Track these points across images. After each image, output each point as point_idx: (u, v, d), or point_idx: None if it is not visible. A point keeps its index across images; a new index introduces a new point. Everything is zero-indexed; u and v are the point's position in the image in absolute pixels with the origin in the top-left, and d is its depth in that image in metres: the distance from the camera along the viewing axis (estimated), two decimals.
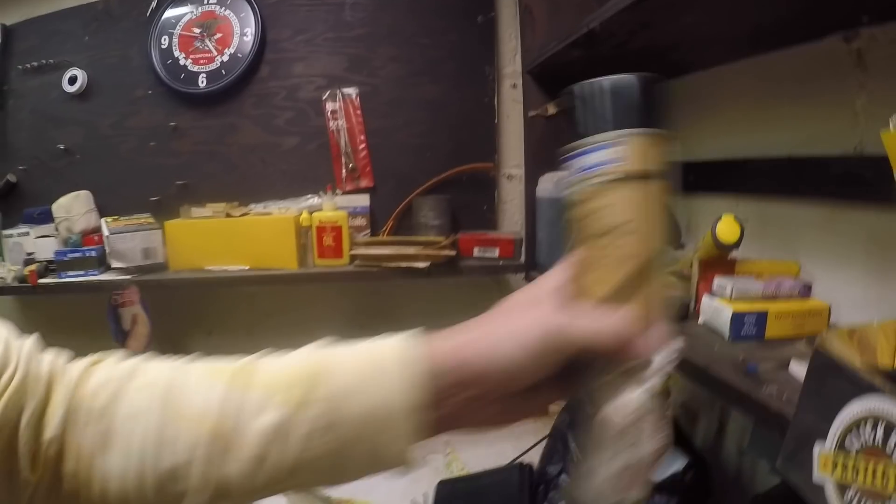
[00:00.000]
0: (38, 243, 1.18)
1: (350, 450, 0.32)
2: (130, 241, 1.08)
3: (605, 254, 0.33)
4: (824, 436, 0.34)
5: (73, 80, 1.23)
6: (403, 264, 1.05)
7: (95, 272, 1.10)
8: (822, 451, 0.34)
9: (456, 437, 1.21)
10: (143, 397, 0.33)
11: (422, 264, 1.05)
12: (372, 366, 0.33)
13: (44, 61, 1.26)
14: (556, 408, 1.24)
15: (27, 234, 1.20)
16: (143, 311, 1.07)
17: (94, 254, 1.11)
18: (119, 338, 1.09)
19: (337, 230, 1.05)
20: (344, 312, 1.24)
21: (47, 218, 1.21)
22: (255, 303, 1.25)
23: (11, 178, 1.29)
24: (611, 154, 0.32)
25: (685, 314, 0.71)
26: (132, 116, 1.20)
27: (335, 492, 1.00)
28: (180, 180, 1.16)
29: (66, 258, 1.12)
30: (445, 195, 1.14)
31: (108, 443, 0.32)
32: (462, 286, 1.23)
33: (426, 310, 1.24)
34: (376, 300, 1.23)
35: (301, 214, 1.06)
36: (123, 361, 0.35)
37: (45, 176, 1.26)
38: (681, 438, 0.97)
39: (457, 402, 0.32)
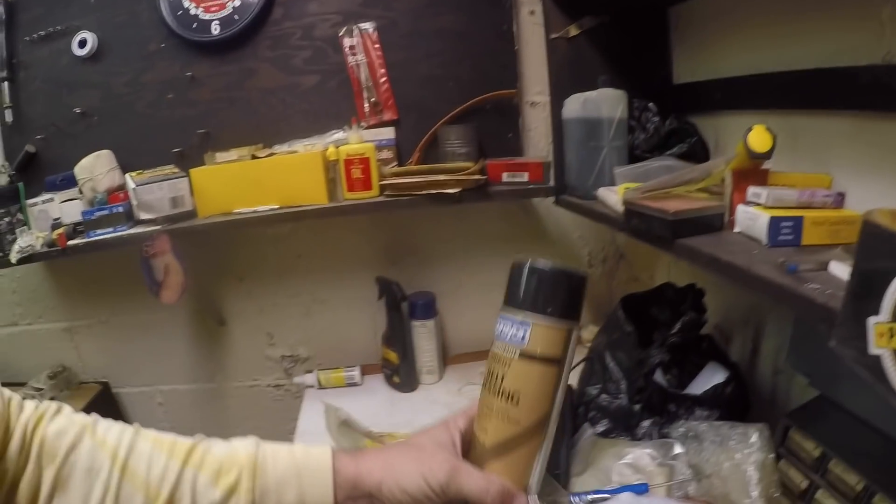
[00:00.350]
0: (64, 208, 1.16)
1: None
2: (157, 191, 1.06)
3: (494, 411, 0.39)
4: (877, 310, 0.34)
5: (82, 44, 1.21)
6: (434, 191, 1.02)
7: (124, 227, 1.09)
8: (877, 322, 0.34)
9: None
10: (102, 456, 0.37)
11: (452, 190, 1.02)
12: (297, 468, 0.41)
13: (51, 29, 1.24)
14: (588, 334, 1.22)
15: (52, 199, 1.18)
16: (176, 260, 1.05)
17: (121, 209, 1.09)
18: (153, 289, 1.07)
19: (365, 162, 1.03)
20: (374, 250, 1.22)
21: (70, 183, 1.19)
22: (285, 246, 1.22)
23: (30, 148, 1.27)
24: (517, 331, 0.38)
25: (720, 225, 0.69)
26: (147, 72, 1.18)
27: (377, 427, 0.99)
28: (201, 129, 1.14)
29: (93, 217, 1.10)
30: (471, 124, 1.11)
31: (67, 489, 0.36)
32: (490, 217, 1.21)
33: (454, 243, 1.22)
34: (405, 236, 1.20)
35: (328, 149, 1.04)
36: (76, 414, 0.40)
37: (63, 142, 1.24)
38: (718, 354, 0.95)
39: None
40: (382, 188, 1.04)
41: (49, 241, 1.13)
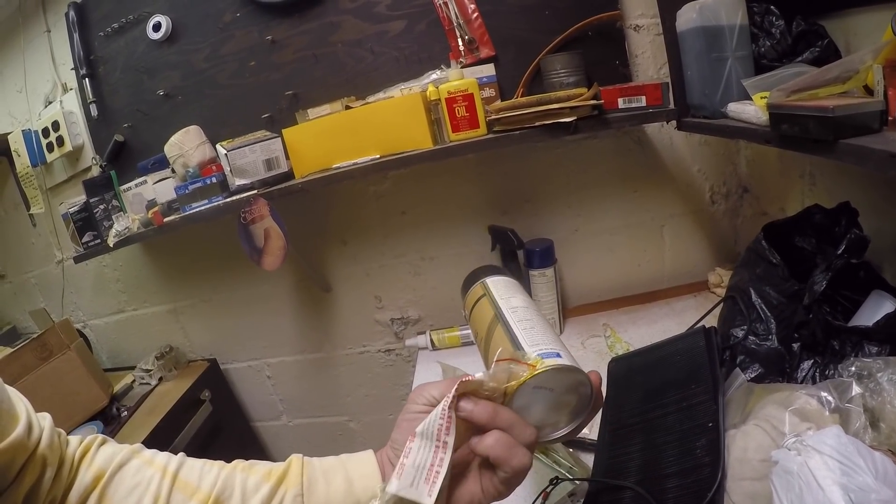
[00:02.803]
0: (158, 188, 1.14)
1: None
2: (250, 154, 1.01)
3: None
4: None
5: (157, 27, 1.19)
6: (548, 121, 0.92)
7: (219, 198, 1.04)
8: None
9: (615, 317, 1.09)
10: (151, 471, 0.39)
11: (568, 119, 0.92)
12: (341, 459, 0.44)
13: (123, 20, 1.23)
14: (716, 278, 1.09)
15: (145, 182, 1.17)
16: (276, 223, 0.99)
17: (214, 180, 1.05)
18: (254, 256, 1.02)
19: (469, 98, 0.94)
20: (482, 200, 1.13)
21: (162, 165, 1.18)
22: (387, 203, 1.16)
23: (119, 137, 1.27)
24: None
25: (878, 125, 0.56)
26: (225, 43, 1.14)
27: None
28: (289, 91, 1.09)
29: (187, 191, 1.06)
30: (576, 51, 1.00)
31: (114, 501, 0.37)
32: (603, 155, 1.10)
33: (567, 187, 1.12)
34: (514, 182, 1.11)
35: (427, 89, 0.96)
36: (123, 445, 0.42)
37: (151, 127, 1.23)
38: (881, 283, 0.79)
39: None
40: (490, 125, 0.95)
41: (145, 221, 1.10)
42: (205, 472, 0.40)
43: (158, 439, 1.14)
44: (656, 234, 1.15)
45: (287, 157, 1.03)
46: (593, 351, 1.02)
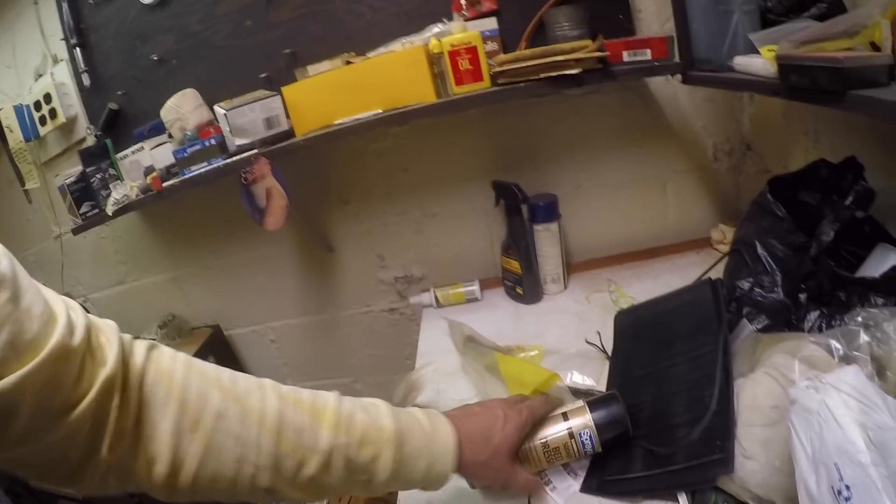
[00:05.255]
0: (155, 154, 1.12)
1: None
2: (249, 113, 0.99)
3: None
4: None
5: None
6: (553, 73, 0.91)
7: (219, 160, 1.03)
8: None
9: (619, 273, 1.09)
10: (250, 422, 0.41)
11: (573, 70, 0.91)
12: (425, 446, 0.51)
13: None
14: (718, 235, 1.09)
15: (141, 149, 1.15)
16: (278, 182, 0.98)
17: (213, 142, 1.03)
18: (256, 217, 1.01)
19: (472, 51, 0.92)
20: (485, 156, 1.12)
21: (159, 130, 1.16)
22: (389, 160, 1.15)
23: (113, 105, 1.25)
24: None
25: (886, 79, 0.56)
26: (220, 4, 1.11)
27: (504, 339, 0.90)
28: (287, 49, 1.07)
29: (186, 154, 1.04)
30: (580, 3, 0.99)
31: (221, 457, 0.39)
32: (606, 110, 1.09)
33: (571, 142, 1.11)
34: (517, 137, 1.10)
35: (430, 42, 0.94)
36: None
37: (146, 93, 1.20)
38: (885, 236, 0.79)
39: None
40: (494, 78, 0.93)
41: (144, 187, 1.09)
42: (304, 429, 0.43)
43: None
44: (660, 190, 1.15)
45: (287, 116, 1.01)
46: (598, 306, 1.02)
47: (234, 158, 0.99)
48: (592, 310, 1.01)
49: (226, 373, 0.43)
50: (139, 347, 0.40)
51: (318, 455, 0.43)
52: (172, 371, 0.39)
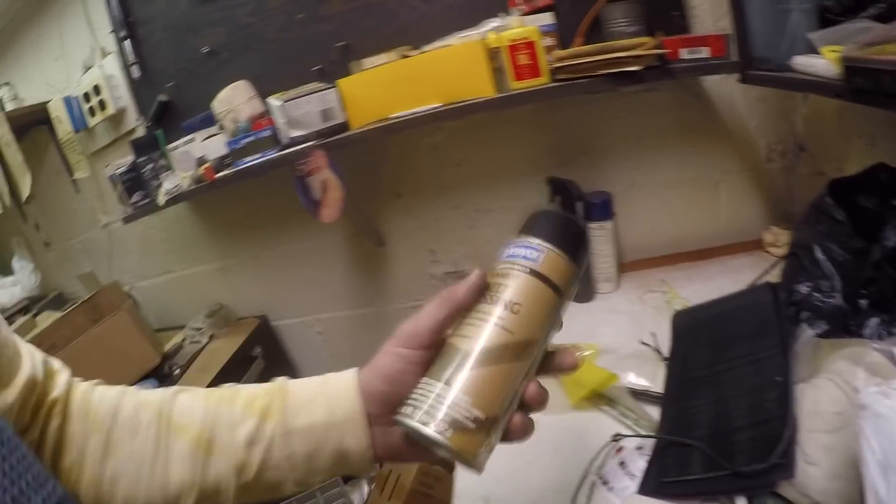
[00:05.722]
0: (207, 145, 1.13)
1: (318, 452, 0.39)
2: (306, 105, 0.99)
3: (489, 317, 0.37)
4: None
5: None
6: (613, 70, 0.90)
7: (272, 152, 1.04)
8: None
9: (671, 273, 1.07)
10: (147, 415, 0.39)
11: (633, 67, 0.90)
12: (319, 388, 0.41)
13: None
14: (771, 237, 1.07)
15: (193, 140, 1.16)
16: (334, 175, 0.98)
17: (268, 133, 1.04)
18: (311, 209, 1.01)
19: (531, 46, 0.92)
20: (539, 152, 1.12)
21: (209, 122, 1.17)
22: (443, 155, 1.15)
23: (163, 97, 1.26)
24: (531, 253, 0.39)
25: None
26: None
27: (556, 338, 0.89)
28: (339, 42, 1.07)
29: (239, 145, 1.05)
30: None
31: (117, 452, 0.37)
32: (661, 108, 1.08)
33: (625, 140, 1.10)
34: (571, 134, 1.09)
35: (487, 37, 0.94)
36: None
37: (196, 85, 1.22)
38: None
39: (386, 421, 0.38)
40: (553, 73, 0.93)
41: (196, 177, 1.10)
42: (193, 409, 0.39)
43: None
44: (712, 190, 1.13)
45: (343, 109, 1.02)
46: (651, 306, 1.01)
47: (289, 150, 1.00)
48: (646, 310, 1.00)
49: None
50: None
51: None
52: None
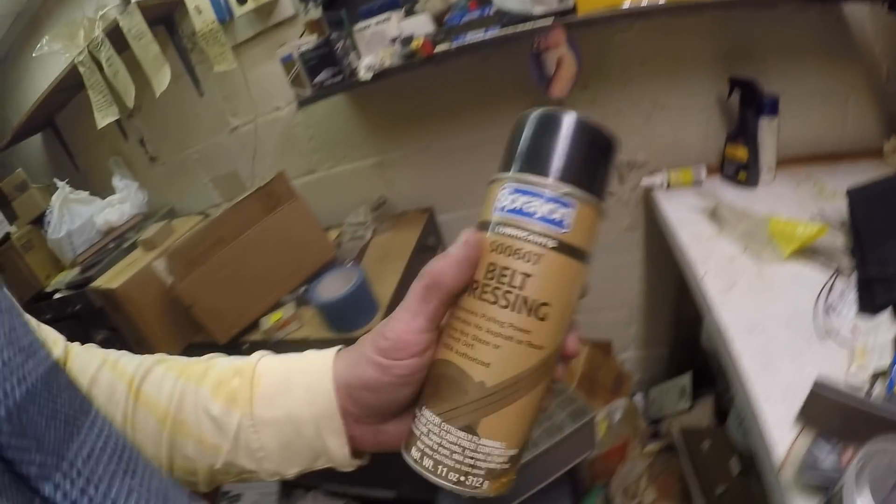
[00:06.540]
0: (405, 24, 1.13)
1: (292, 446, 0.35)
2: None
3: (502, 330, 0.26)
4: None
5: None
6: None
7: (496, 28, 1.06)
8: None
9: (815, 168, 1.23)
10: (121, 386, 0.37)
11: None
12: (296, 378, 0.35)
13: None
14: (888, 147, 1.25)
15: (388, 19, 1.15)
16: (572, 52, 1.03)
17: (490, 12, 1.06)
18: (541, 83, 1.05)
19: None
20: (713, 56, 1.23)
21: (391, 6, 1.16)
22: (630, 51, 1.22)
23: None
24: (554, 212, 0.26)
25: None
26: None
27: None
28: None
29: (460, 22, 1.07)
30: None
31: None
32: (805, 26, 1.22)
33: (777, 50, 1.23)
34: (742, 43, 1.21)
35: None
36: (96, 349, 0.39)
37: None
38: None
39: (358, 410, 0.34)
40: None
41: (405, 52, 1.09)
42: (163, 383, 0.37)
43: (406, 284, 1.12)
44: (843, 102, 1.31)
45: None
46: (807, 193, 1.15)
47: (528, 25, 1.03)
48: (805, 195, 1.14)
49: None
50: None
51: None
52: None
